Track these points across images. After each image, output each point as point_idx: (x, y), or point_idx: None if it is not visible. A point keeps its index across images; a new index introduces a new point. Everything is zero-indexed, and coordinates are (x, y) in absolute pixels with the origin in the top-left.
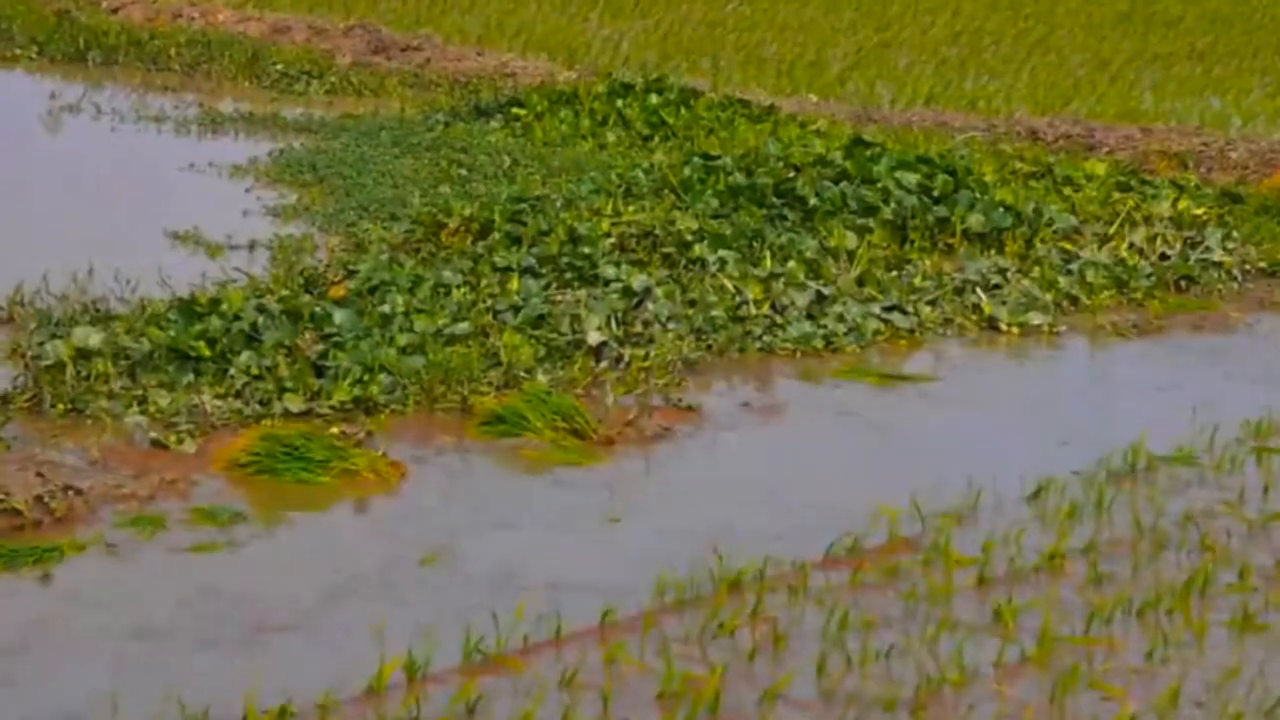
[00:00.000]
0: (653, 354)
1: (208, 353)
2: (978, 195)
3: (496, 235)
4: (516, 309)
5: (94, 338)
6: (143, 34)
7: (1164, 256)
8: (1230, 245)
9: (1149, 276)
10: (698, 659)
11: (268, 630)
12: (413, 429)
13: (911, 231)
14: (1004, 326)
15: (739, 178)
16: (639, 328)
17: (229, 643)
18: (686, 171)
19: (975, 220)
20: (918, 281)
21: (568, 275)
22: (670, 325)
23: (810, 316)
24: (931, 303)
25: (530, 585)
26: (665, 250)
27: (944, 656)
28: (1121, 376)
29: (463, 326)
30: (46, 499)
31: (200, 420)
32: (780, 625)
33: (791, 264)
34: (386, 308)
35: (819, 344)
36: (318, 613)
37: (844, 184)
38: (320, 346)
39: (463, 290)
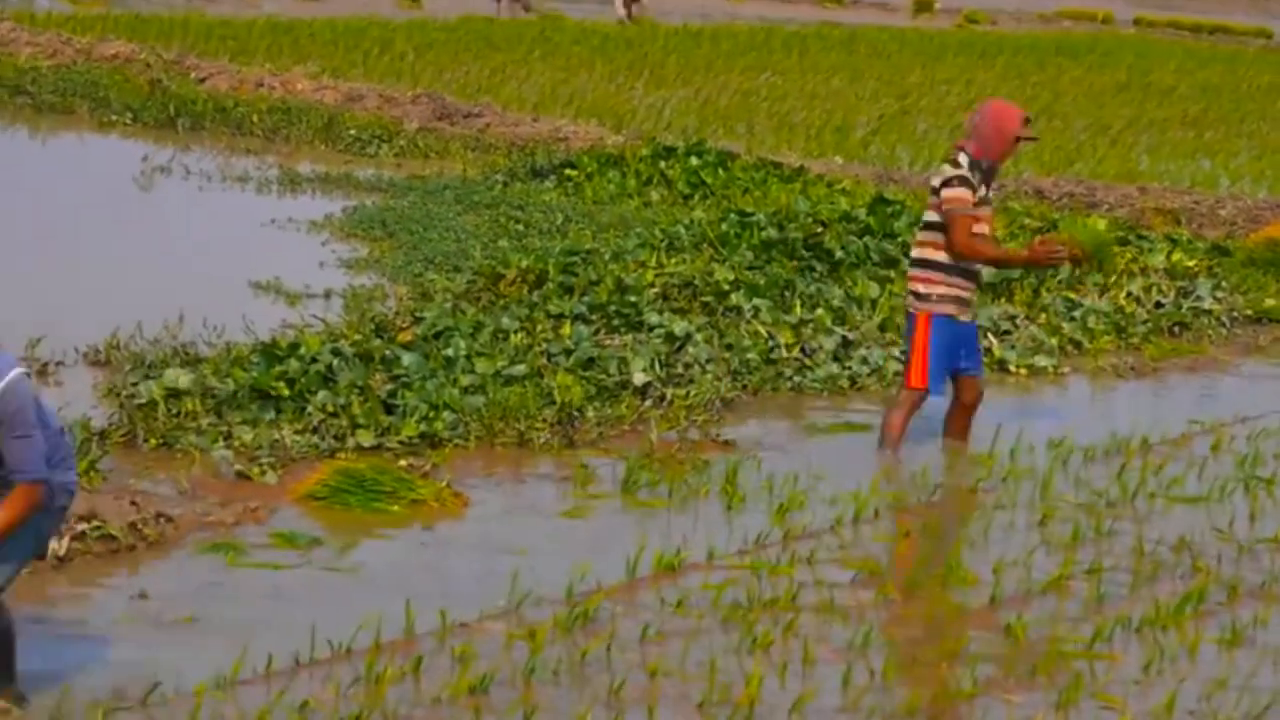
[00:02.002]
0: (693, 393)
1: (287, 392)
2: None
3: (550, 285)
4: (569, 352)
5: (183, 378)
6: (228, 102)
7: (1159, 304)
8: (1219, 294)
9: (1145, 323)
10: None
11: None
12: (474, 462)
13: None
14: (1013, 368)
15: (772, 232)
16: (680, 369)
17: None
18: (724, 227)
19: (987, 272)
20: None
21: (615, 322)
22: (709, 367)
23: (837, 359)
24: None
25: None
26: (704, 299)
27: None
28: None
29: (520, 368)
30: (140, 525)
31: (281, 454)
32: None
33: (820, 311)
34: (450, 351)
35: (844, 384)
36: None
37: (867, 238)
38: (390, 386)
39: (519, 335)
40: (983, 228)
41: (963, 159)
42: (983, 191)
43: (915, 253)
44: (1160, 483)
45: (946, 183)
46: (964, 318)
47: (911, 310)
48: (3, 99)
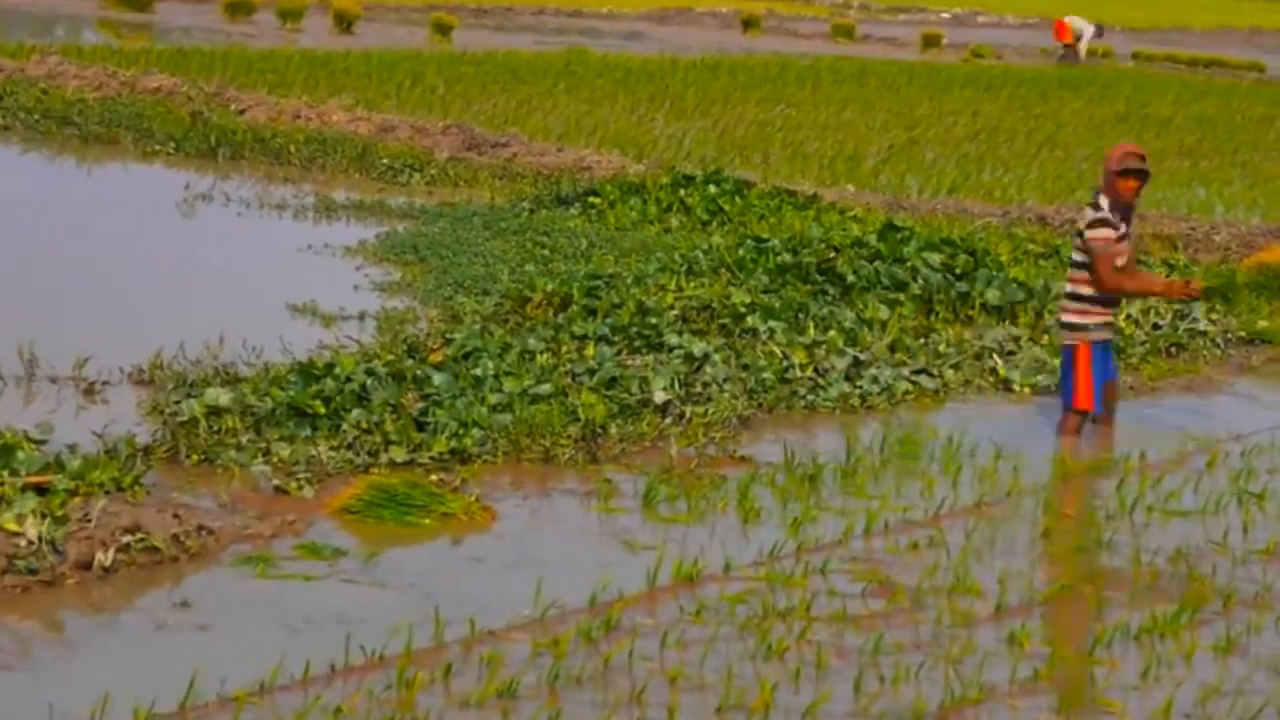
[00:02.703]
0: (711, 411)
1: (323, 410)
2: (994, 273)
3: (575, 308)
4: (592, 372)
5: (224, 397)
6: (266, 132)
7: (1156, 326)
8: (1214, 317)
9: (1143, 344)
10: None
11: None
12: (502, 477)
13: (936, 304)
14: (1017, 387)
15: (786, 257)
16: (699, 388)
17: None
18: (740, 252)
19: (992, 295)
20: (942, 348)
21: (637, 343)
22: (726, 386)
23: (848, 378)
24: (954, 367)
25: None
26: (722, 321)
27: (966, 675)
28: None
29: (545, 387)
30: (182, 538)
31: (317, 469)
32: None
33: (832, 333)
34: (479, 371)
35: (855, 402)
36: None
37: (878, 263)
38: (421, 405)
39: (545, 356)
40: (1122, 260)
41: (1102, 202)
42: (1122, 229)
43: (1068, 288)
44: (1158, 496)
45: (1090, 225)
46: (1109, 338)
47: (1069, 343)
48: (51, 130)
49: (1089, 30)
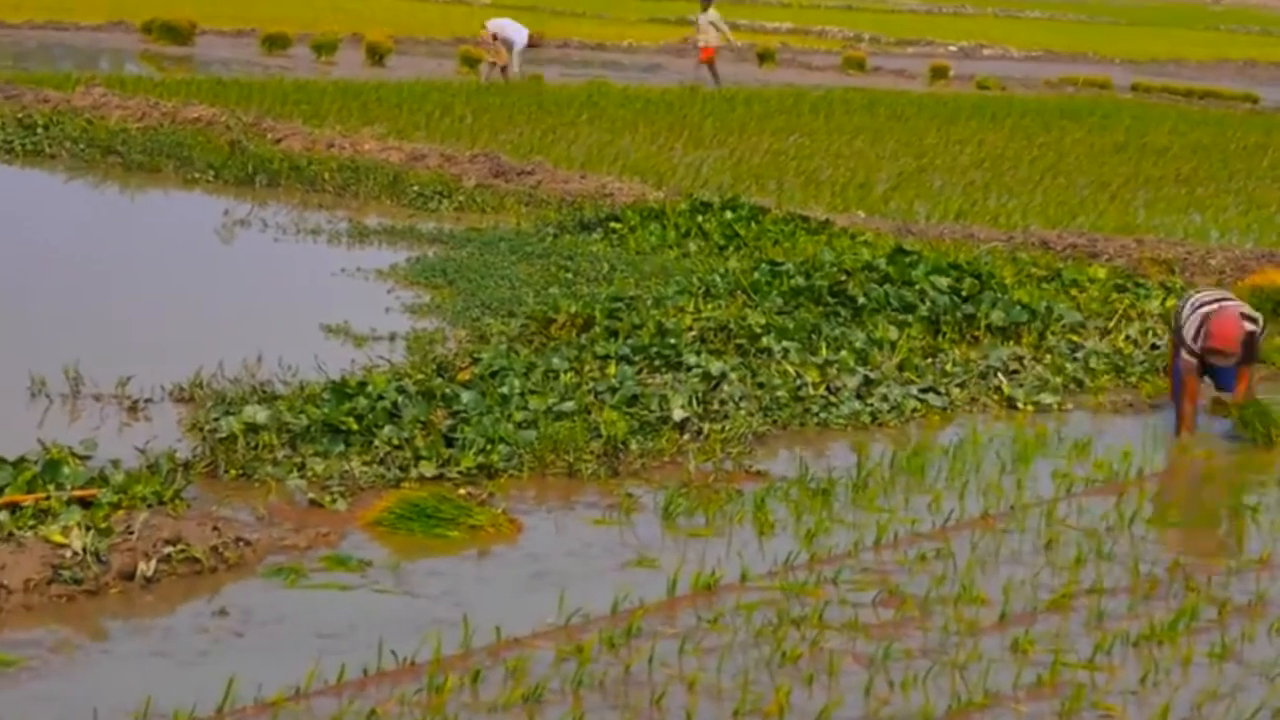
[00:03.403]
0: (728, 428)
1: (356, 427)
2: (999, 295)
3: (597, 329)
4: (614, 390)
5: (261, 414)
6: (301, 160)
7: (1154, 346)
8: None
9: (1142, 363)
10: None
11: None
12: (527, 491)
13: (944, 326)
14: (1021, 405)
15: (800, 280)
16: (716, 406)
17: None
18: (756, 275)
19: (997, 316)
20: (949, 368)
21: (657, 362)
22: (742, 404)
23: (859, 396)
24: (960, 385)
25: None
26: (738, 341)
27: (971, 681)
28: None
29: (569, 405)
30: (221, 549)
31: (350, 484)
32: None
33: (843, 353)
34: (505, 389)
35: (866, 419)
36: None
37: (887, 286)
38: (450, 421)
39: (569, 375)
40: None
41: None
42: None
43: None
44: (1155, 510)
45: (1178, 336)
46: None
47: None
48: (96, 158)
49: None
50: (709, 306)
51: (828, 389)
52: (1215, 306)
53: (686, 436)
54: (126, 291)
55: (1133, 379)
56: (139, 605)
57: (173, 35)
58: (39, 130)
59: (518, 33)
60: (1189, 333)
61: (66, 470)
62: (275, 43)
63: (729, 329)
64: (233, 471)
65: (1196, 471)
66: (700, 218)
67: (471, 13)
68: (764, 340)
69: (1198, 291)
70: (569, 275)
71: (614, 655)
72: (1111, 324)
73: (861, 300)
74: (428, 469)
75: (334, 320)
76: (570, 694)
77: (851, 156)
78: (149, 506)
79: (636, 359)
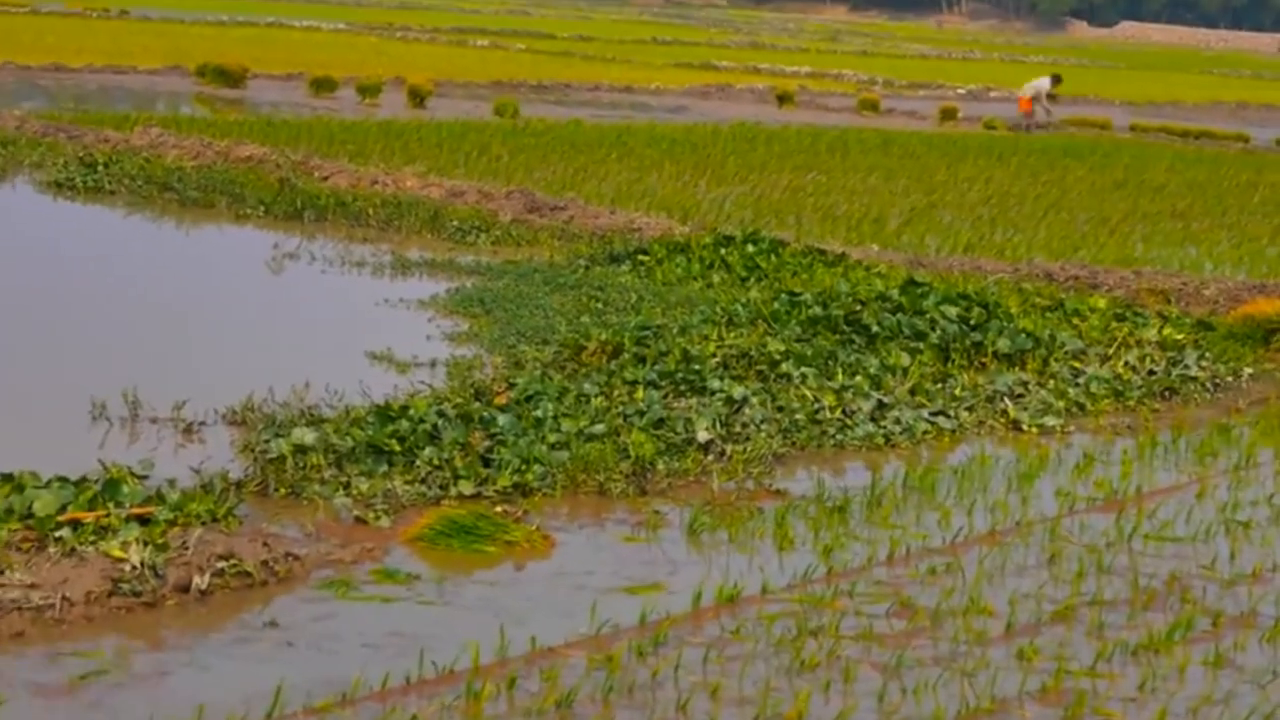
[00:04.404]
0: (749, 449)
1: (398, 448)
2: (1005, 324)
3: (626, 355)
4: (641, 413)
5: (309, 436)
6: (347, 197)
7: (1151, 372)
8: (1204, 363)
9: (1140, 388)
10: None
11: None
12: (560, 508)
13: (953, 352)
14: (1025, 428)
15: (817, 310)
16: (738, 428)
17: None
18: (776, 305)
19: (1003, 344)
20: (958, 392)
21: (682, 387)
22: (763, 426)
23: (873, 419)
24: (969, 409)
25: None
26: (759, 367)
27: (979, 687)
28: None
29: (599, 428)
30: (271, 564)
31: (393, 502)
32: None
33: (858, 378)
34: (539, 413)
35: (880, 441)
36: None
37: (900, 315)
38: (488, 443)
39: (599, 399)
40: None
41: None
42: None
43: None
44: (1153, 526)
45: None
46: None
47: None
48: (153, 194)
49: (1043, 85)
50: (731, 334)
51: (843, 412)
52: None
53: (710, 457)
54: (182, 320)
55: (1131, 403)
56: (193, 617)
57: (225, 79)
58: (100, 168)
59: None
60: None
61: (125, 489)
62: (322, 85)
63: (750, 356)
64: (282, 490)
65: (1191, 491)
66: (723, 251)
67: (508, 57)
68: (783, 366)
69: None
70: (599, 305)
71: (642, 663)
72: (1111, 351)
73: (875, 329)
74: (466, 488)
75: (378, 348)
76: (601, 700)
77: (866, 193)
78: (203, 523)
79: (663, 384)
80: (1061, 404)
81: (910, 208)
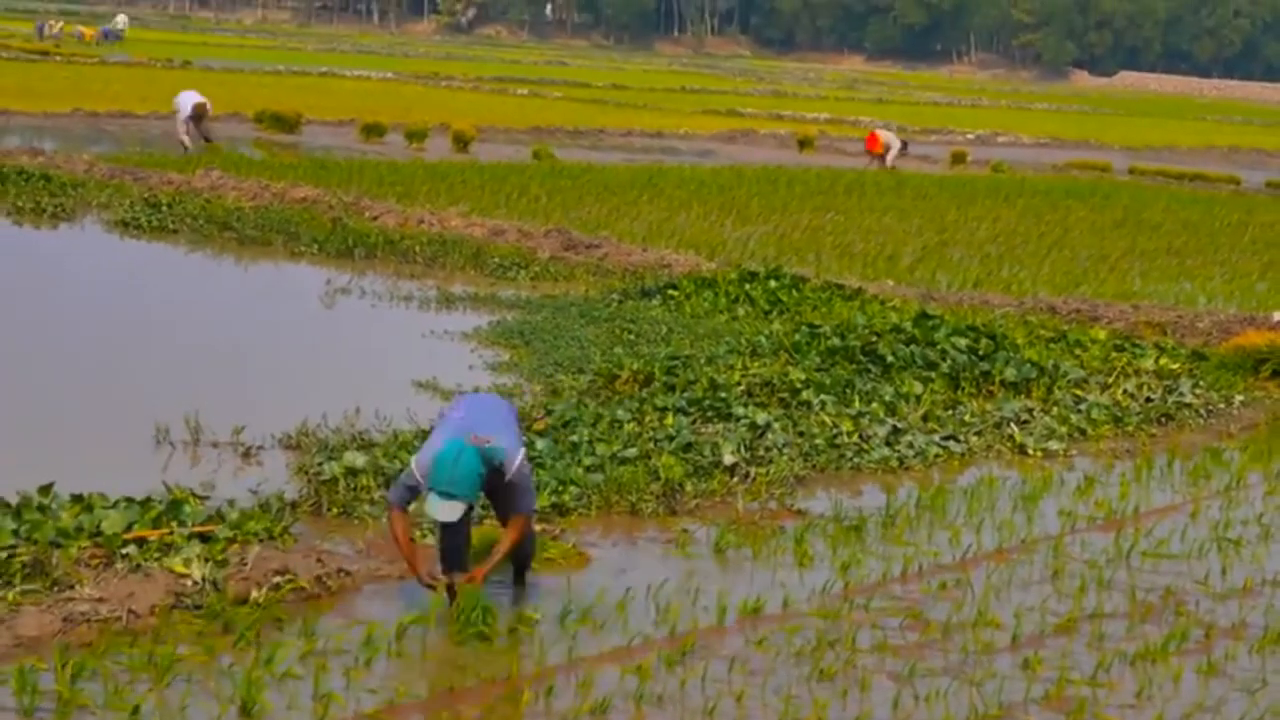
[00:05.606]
0: (771, 471)
1: None
2: (1012, 354)
3: (656, 384)
4: (671, 438)
5: (360, 459)
6: (395, 235)
7: (1149, 399)
8: (1198, 391)
9: (1138, 414)
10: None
11: None
12: (595, 527)
13: (963, 381)
14: (1031, 451)
15: (835, 341)
16: (761, 452)
17: None
18: (797, 337)
19: (1010, 373)
20: (967, 418)
21: (709, 414)
22: (784, 450)
23: (888, 444)
24: (978, 434)
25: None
26: (781, 395)
27: (987, 695)
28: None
29: (631, 451)
30: (325, 578)
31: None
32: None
33: (874, 405)
34: (575, 437)
35: (894, 464)
36: None
37: (913, 346)
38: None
39: (631, 425)
40: None
41: None
42: None
43: None
44: (1150, 543)
45: None
46: None
47: None
48: (213, 233)
49: (896, 145)
50: (755, 364)
51: (860, 437)
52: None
53: (735, 479)
54: (240, 351)
55: (1130, 428)
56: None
57: (281, 124)
58: (163, 208)
59: (185, 100)
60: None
61: (188, 509)
62: (372, 131)
63: (773, 384)
64: (335, 510)
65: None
66: (748, 286)
67: (546, 104)
68: (804, 394)
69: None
70: (631, 336)
71: (671, 672)
72: (1111, 380)
73: (890, 359)
74: None
75: (424, 376)
76: (632, 706)
77: (881, 232)
78: (260, 541)
79: (691, 411)
80: (1064, 429)
81: (922, 246)
